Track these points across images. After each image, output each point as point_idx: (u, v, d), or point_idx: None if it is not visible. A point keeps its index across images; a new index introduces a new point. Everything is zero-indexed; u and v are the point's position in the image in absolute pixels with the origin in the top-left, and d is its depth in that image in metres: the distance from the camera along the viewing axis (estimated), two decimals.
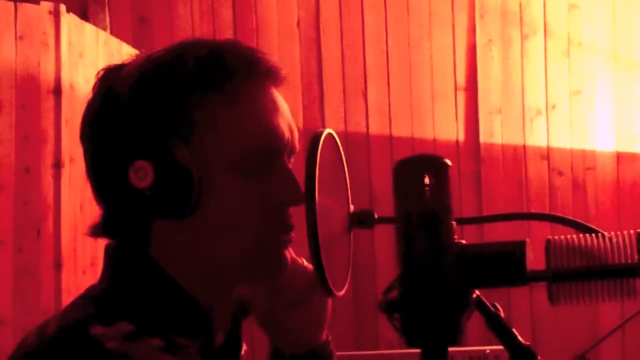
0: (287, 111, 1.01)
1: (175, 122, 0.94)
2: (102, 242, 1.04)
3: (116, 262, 1.00)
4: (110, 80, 0.98)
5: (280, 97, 1.01)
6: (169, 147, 0.93)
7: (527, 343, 0.92)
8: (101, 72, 1.00)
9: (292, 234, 1.00)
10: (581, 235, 0.88)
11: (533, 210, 4.34)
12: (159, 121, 0.94)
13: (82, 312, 0.95)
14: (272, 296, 1.06)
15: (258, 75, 0.98)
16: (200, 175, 0.94)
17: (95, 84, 1.00)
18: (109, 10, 4.44)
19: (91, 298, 0.98)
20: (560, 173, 4.42)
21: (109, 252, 1.01)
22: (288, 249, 1.01)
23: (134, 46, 3.96)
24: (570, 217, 0.93)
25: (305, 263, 1.06)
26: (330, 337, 1.11)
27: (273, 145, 0.97)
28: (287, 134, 0.99)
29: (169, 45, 0.99)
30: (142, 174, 0.93)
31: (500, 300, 0.96)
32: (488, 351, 3.50)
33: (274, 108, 0.98)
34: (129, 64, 0.99)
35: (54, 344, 0.91)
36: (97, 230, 1.01)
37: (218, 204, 0.95)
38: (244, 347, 1.09)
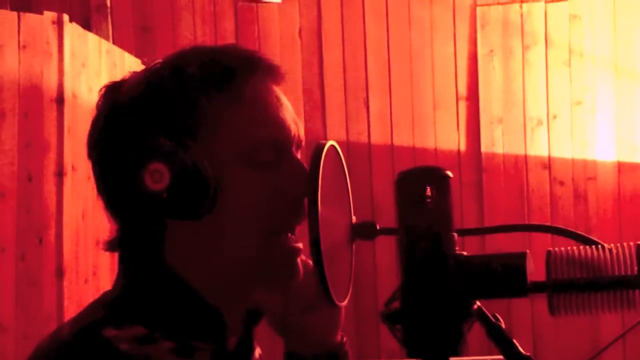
0: (290, 106, 1.03)
1: (183, 124, 0.96)
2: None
3: (130, 268, 1.01)
4: (114, 95, 1.00)
5: (282, 94, 1.03)
6: (180, 147, 0.95)
7: (528, 354, 0.93)
8: (103, 89, 1.02)
9: (301, 244, 1.01)
10: (581, 247, 0.88)
11: (534, 220, 4.35)
12: (168, 125, 0.96)
13: (95, 315, 0.96)
14: (286, 300, 1.07)
15: (259, 72, 1.01)
16: (213, 172, 0.95)
17: (99, 101, 1.02)
18: (112, 20, 4.45)
19: (105, 303, 0.99)
20: (562, 183, 4.43)
21: (123, 258, 1.02)
22: (300, 256, 1.02)
23: (136, 55, 3.97)
24: (572, 227, 0.93)
25: None
26: (345, 338, 1.12)
27: (281, 138, 0.99)
28: (293, 127, 1.01)
29: (168, 56, 1.01)
30: (157, 177, 0.94)
31: (500, 310, 0.96)
32: None
33: (278, 103, 1.01)
34: (130, 78, 1.02)
35: (68, 347, 0.93)
36: (113, 245, 1.02)
37: (233, 199, 0.96)
38: (258, 350, 1.10)
